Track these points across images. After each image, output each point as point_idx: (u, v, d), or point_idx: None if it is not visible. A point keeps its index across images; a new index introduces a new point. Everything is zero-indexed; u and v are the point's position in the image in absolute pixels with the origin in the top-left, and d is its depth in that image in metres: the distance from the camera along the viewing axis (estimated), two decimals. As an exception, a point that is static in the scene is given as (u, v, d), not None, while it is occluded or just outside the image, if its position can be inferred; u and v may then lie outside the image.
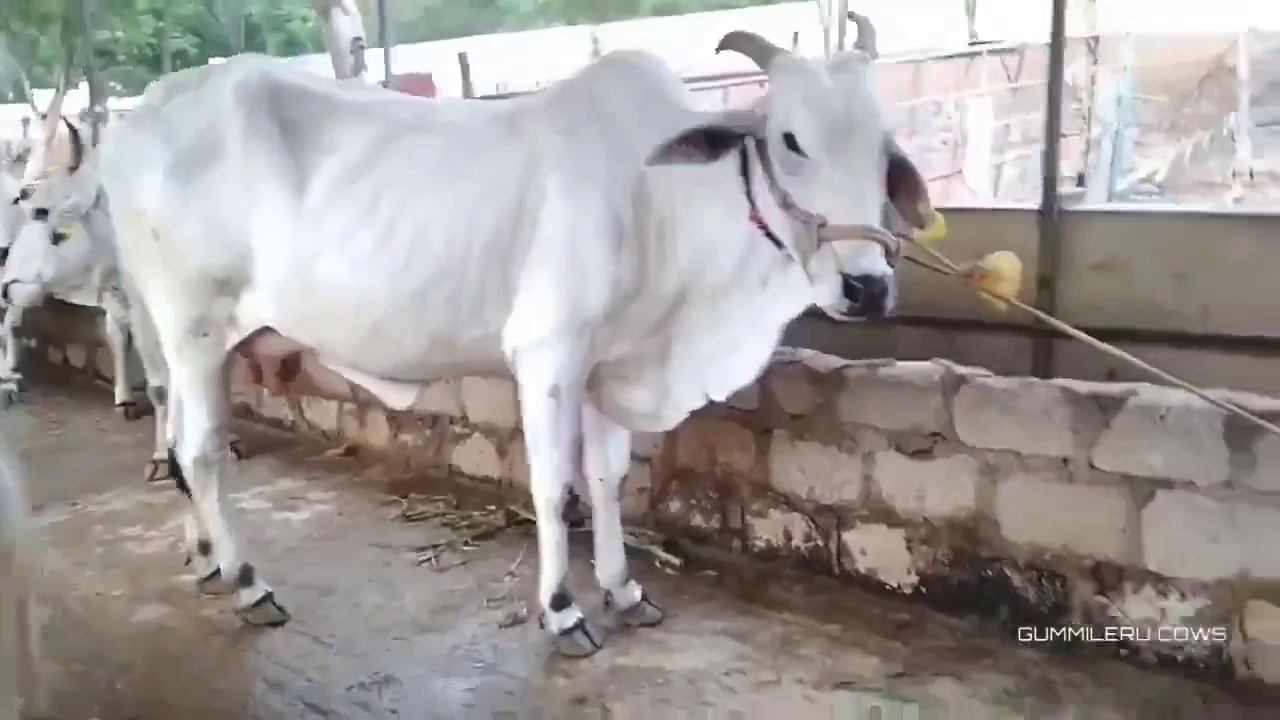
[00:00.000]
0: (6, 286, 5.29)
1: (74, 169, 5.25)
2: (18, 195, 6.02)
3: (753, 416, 3.70)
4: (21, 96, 20.61)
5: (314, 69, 6.52)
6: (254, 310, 3.26)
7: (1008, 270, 2.84)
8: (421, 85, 11.90)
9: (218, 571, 3.68)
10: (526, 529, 3.85)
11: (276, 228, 3.12)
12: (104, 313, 5.91)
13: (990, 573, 3.27)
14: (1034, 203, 3.68)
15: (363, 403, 5.17)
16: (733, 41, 2.69)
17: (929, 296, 3.23)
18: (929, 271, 2.96)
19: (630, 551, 3.65)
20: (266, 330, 3.31)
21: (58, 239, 5.22)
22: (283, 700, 3.13)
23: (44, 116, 16.60)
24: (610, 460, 3.45)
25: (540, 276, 2.99)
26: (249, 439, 5.51)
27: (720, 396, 3.15)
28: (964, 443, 3.27)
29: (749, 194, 2.75)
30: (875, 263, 2.41)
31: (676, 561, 3.81)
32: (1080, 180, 5.78)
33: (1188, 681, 2.91)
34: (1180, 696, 2.86)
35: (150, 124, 3.24)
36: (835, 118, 2.48)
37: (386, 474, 4.99)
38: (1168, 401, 2.90)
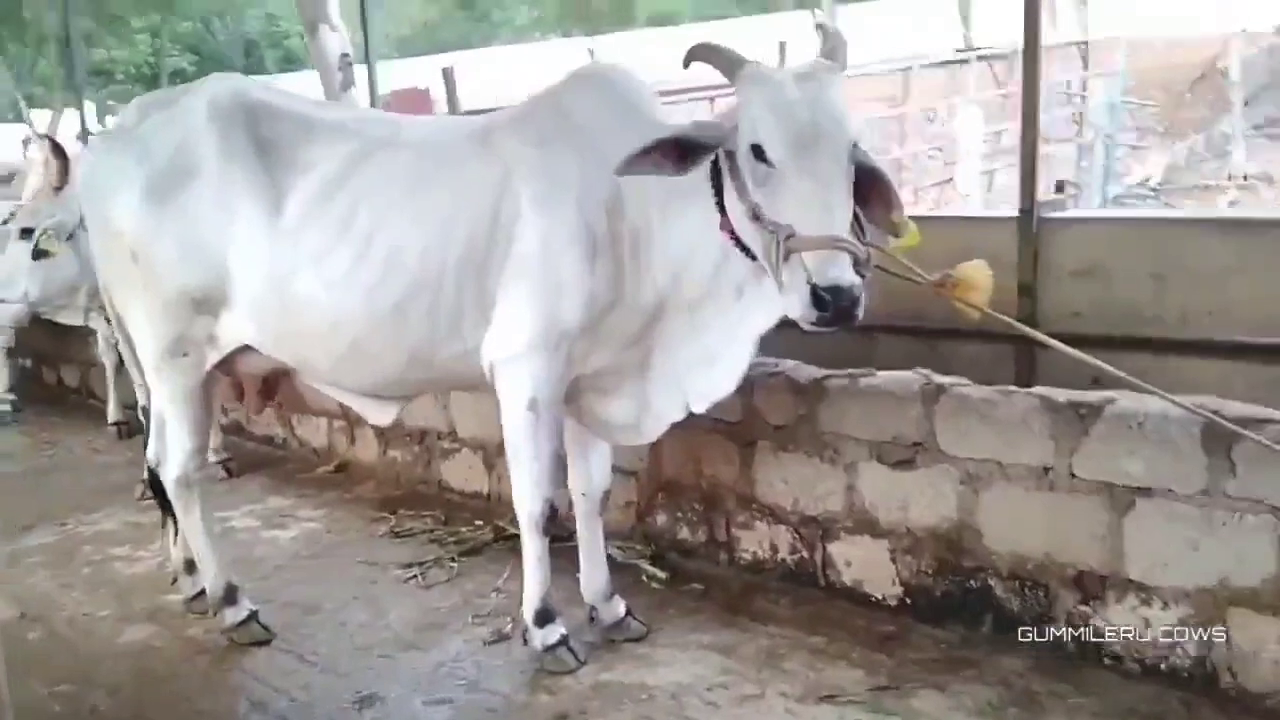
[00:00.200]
0: None
1: (59, 189, 5.27)
2: (4, 217, 6.04)
3: (737, 428, 3.70)
4: (19, 117, 20.66)
5: (307, 85, 6.57)
6: (233, 329, 3.26)
7: (979, 279, 2.83)
8: (418, 99, 11.90)
9: (204, 591, 3.68)
10: (513, 544, 3.83)
11: (253, 246, 3.12)
12: (95, 333, 5.93)
13: (974, 583, 3.26)
14: (1013, 210, 3.68)
15: (353, 420, 5.16)
16: (699, 53, 2.68)
17: (911, 305, 3.23)
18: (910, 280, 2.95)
19: (617, 566, 3.64)
20: (247, 349, 3.31)
21: (39, 255, 5.22)
22: (265, 720, 3.12)
23: (43, 137, 16.63)
24: (593, 475, 3.44)
25: (516, 290, 2.99)
26: (240, 457, 5.53)
27: (700, 408, 3.14)
28: (945, 452, 3.26)
29: (721, 205, 2.76)
30: (844, 273, 2.40)
31: (662, 575, 3.80)
32: (1059, 187, 5.75)
33: (1172, 690, 2.89)
34: (1164, 705, 2.85)
35: (125, 144, 3.25)
36: (801, 127, 2.47)
37: (376, 490, 4.99)
38: (1145, 409, 2.88)
